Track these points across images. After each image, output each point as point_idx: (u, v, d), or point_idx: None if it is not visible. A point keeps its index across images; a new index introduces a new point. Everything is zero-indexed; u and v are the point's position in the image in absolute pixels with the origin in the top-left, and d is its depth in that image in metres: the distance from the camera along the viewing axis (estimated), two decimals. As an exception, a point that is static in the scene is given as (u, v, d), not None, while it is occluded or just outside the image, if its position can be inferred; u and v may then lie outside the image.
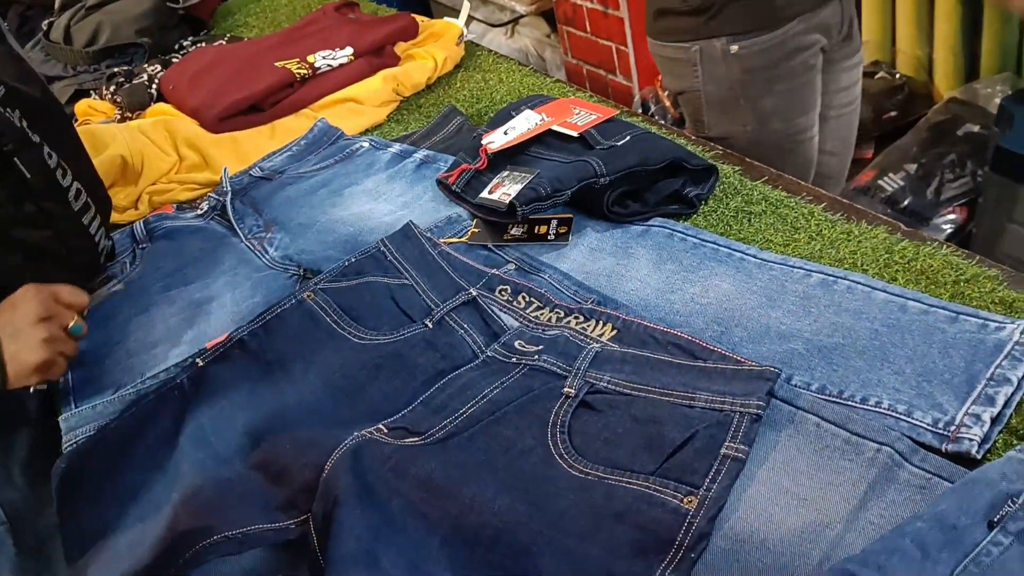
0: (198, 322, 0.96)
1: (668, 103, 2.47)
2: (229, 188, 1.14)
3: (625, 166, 0.94)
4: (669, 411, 0.68)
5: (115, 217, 1.24)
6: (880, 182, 1.85)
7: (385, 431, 0.71)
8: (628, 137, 0.99)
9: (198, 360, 0.85)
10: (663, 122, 2.45)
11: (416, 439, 0.70)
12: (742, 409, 0.66)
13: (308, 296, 0.88)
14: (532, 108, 1.09)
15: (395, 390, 0.78)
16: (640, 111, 2.60)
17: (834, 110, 1.39)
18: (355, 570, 0.61)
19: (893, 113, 2.03)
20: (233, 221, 1.09)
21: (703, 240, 0.91)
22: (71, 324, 0.84)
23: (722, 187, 1.01)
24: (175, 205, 1.22)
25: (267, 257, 1.02)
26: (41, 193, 0.89)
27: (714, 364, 0.71)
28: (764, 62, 1.23)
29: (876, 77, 2.07)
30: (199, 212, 1.14)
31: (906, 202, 1.79)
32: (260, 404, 0.78)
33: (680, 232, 0.93)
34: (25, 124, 0.88)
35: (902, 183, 1.82)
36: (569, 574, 0.61)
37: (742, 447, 0.65)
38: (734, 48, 1.22)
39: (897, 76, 2.07)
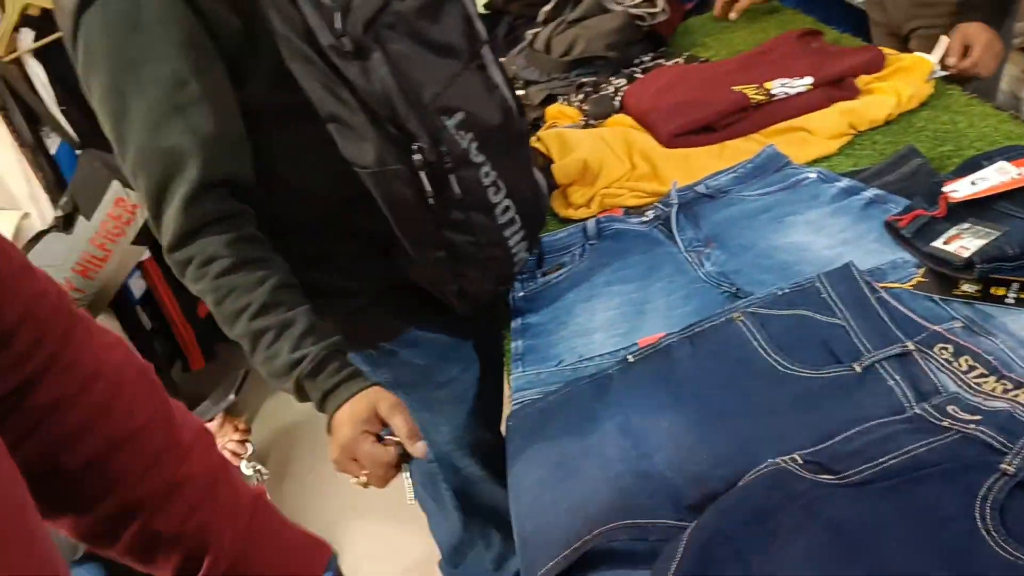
0: (633, 319, 1.05)
1: None
2: (676, 200, 1.22)
3: (1117, 238, 0.84)
4: None
5: (570, 213, 1.39)
6: None
7: (800, 462, 0.73)
8: (1126, 205, 0.88)
9: (628, 356, 0.94)
10: None
11: (830, 477, 0.71)
12: None
13: (738, 317, 0.93)
14: (1009, 160, 1.01)
15: (812, 425, 0.79)
16: None
17: None
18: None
19: None
20: (675, 232, 1.17)
21: None
22: None
23: None
24: (624, 209, 1.33)
25: (702, 271, 1.09)
26: (469, 205, 1.01)
27: None
28: None
29: None
30: (645, 219, 1.24)
31: None
32: (683, 409, 0.84)
33: None
34: (474, 146, 0.98)
35: None
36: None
37: None
38: None
39: None
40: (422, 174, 0.95)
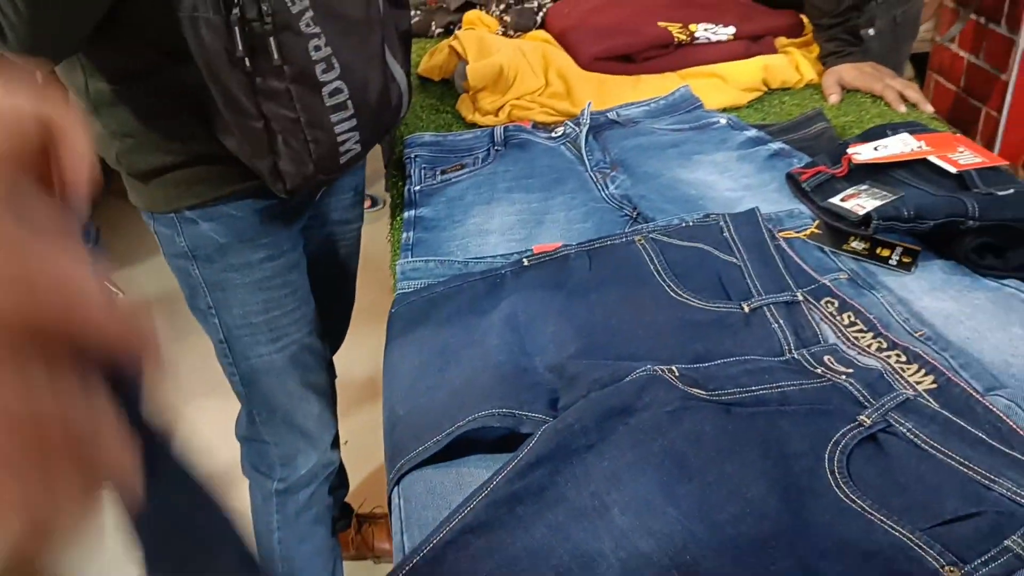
0: (530, 227, 1.03)
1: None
2: (588, 122, 1.20)
3: (1001, 217, 0.88)
4: (961, 483, 0.64)
5: (476, 118, 1.35)
6: None
7: (676, 374, 0.73)
8: (1012, 190, 0.92)
9: (524, 260, 0.92)
10: None
11: (702, 392, 0.71)
12: (1047, 512, 0.61)
13: (639, 240, 0.92)
14: (911, 133, 1.05)
15: (694, 351, 0.79)
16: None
17: None
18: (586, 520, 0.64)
19: None
20: (583, 151, 1.15)
21: (1063, 318, 0.83)
22: None
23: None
24: (532, 123, 1.30)
25: (606, 192, 1.07)
26: (291, 77, 0.93)
27: (1032, 459, 0.66)
28: None
29: None
30: (553, 135, 1.22)
31: None
32: (571, 316, 0.83)
33: (1037, 303, 0.85)
34: (309, 15, 0.91)
35: None
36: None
37: (1030, 550, 0.59)
38: None
39: None
40: (236, 29, 0.87)
